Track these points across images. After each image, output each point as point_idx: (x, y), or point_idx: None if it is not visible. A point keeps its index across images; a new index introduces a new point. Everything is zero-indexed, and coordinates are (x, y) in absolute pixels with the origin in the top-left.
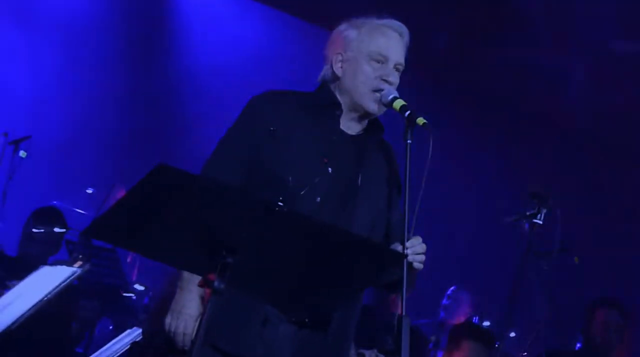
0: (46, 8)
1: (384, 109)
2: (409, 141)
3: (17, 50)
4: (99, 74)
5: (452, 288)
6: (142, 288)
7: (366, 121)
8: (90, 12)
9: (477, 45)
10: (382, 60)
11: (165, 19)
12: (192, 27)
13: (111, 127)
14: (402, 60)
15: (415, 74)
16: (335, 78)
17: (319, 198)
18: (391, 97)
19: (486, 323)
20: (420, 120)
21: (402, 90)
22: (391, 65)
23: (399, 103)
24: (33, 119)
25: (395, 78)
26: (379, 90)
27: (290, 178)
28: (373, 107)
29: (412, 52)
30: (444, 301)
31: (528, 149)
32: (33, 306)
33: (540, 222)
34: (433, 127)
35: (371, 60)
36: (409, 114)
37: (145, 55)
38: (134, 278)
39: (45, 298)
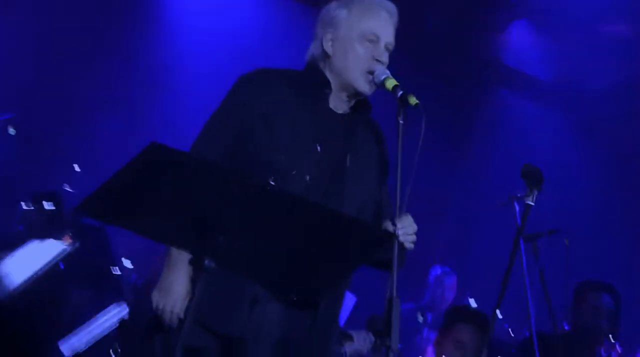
0: None
1: (374, 89)
2: (400, 121)
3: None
4: (87, 52)
5: (437, 271)
6: (131, 266)
7: (354, 100)
8: None
9: (469, 27)
10: (373, 39)
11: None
12: (184, 7)
13: (99, 106)
14: (392, 39)
15: (404, 54)
16: (325, 56)
17: (308, 177)
18: (384, 77)
19: (473, 304)
20: (413, 100)
21: (391, 71)
22: (382, 45)
23: (391, 83)
24: (19, 96)
25: (386, 58)
26: (371, 71)
27: (280, 158)
28: (365, 87)
29: (402, 32)
30: (429, 284)
31: (519, 128)
32: (23, 282)
33: (532, 204)
34: (424, 107)
35: (363, 39)
36: (401, 94)
37: (138, 38)
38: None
39: (35, 275)
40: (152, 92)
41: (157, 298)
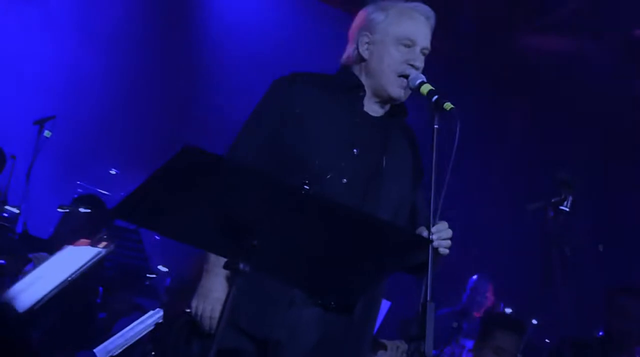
0: None
1: (409, 93)
2: (435, 126)
3: (42, 31)
4: (124, 56)
5: (473, 277)
6: (165, 269)
7: (389, 104)
8: None
9: (501, 29)
10: (409, 44)
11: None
12: (215, 10)
13: (135, 109)
14: (428, 44)
15: (439, 57)
16: (360, 60)
17: (345, 179)
18: (418, 81)
19: (508, 310)
20: (448, 105)
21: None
22: (418, 49)
23: (426, 87)
24: (58, 99)
25: (421, 62)
26: (405, 75)
27: (316, 161)
28: (398, 92)
29: (437, 35)
30: (467, 290)
31: (553, 134)
32: (58, 286)
33: (567, 210)
34: (459, 112)
35: (399, 44)
36: (436, 99)
37: (170, 39)
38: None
39: (70, 278)
40: (190, 97)
41: (195, 303)
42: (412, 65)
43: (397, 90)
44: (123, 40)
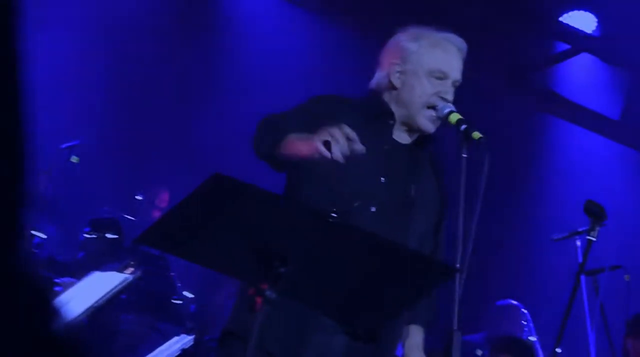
0: (93, 14)
1: (438, 123)
2: (464, 155)
3: (66, 56)
4: (147, 81)
5: (500, 303)
6: (191, 295)
7: (417, 134)
8: (137, 18)
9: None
10: (441, 76)
11: (212, 25)
12: (240, 34)
13: (159, 133)
14: (460, 76)
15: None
16: (391, 88)
17: (374, 208)
18: (447, 110)
19: (532, 338)
20: (476, 135)
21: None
22: (450, 82)
23: (454, 117)
24: (83, 124)
25: (451, 96)
26: (434, 106)
27: (344, 188)
28: (428, 125)
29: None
30: (491, 316)
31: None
32: (84, 312)
33: (594, 239)
34: (488, 142)
35: (431, 76)
36: (464, 128)
37: (193, 57)
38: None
39: (96, 304)
40: (215, 122)
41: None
42: (442, 98)
43: (426, 123)
44: (145, 64)
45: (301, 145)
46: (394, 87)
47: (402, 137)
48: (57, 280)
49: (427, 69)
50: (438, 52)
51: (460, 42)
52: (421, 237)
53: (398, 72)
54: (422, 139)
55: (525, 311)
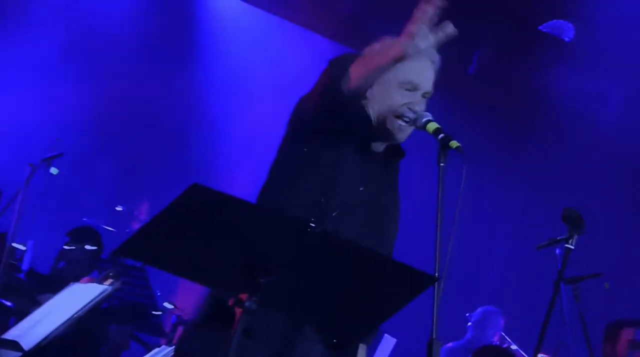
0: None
1: (409, 132)
2: (442, 165)
3: (45, 65)
4: (130, 92)
5: (481, 309)
6: (171, 306)
7: (387, 142)
8: (120, 35)
9: (511, 66)
10: (411, 89)
11: (194, 33)
12: (224, 44)
13: (139, 143)
14: (431, 88)
15: (446, 94)
16: (364, 97)
17: (353, 216)
18: (425, 119)
19: (513, 347)
20: (454, 144)
21: (432, 111)
22: (420, 93)
23: (432, 125)
24: (63, 135)
25: (421, 107)
26: (402, 117)
27: (324, 196)
28: (397, 135)
29: (444, 72)
30: (473, 322)
31: (563, 170)
32: (63, 323)
33: (572, 247)
34: (466, 150)
35: (401, 87)
36: (442, 137)
37: (173, 70)
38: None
39: (76, 315)
40: (196, 133)
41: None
42: (411, 110)
43: (396, 133)
44: (126, 76)
45: (389, 50)
46: (365, 97)
47: (376, 146)
48: (38, 297)
49: (397, 81)
50: (409, 63)
51: (433, 54)
52: (391, 245)
53: None
54: (392, 149)
55: (502, 320)
